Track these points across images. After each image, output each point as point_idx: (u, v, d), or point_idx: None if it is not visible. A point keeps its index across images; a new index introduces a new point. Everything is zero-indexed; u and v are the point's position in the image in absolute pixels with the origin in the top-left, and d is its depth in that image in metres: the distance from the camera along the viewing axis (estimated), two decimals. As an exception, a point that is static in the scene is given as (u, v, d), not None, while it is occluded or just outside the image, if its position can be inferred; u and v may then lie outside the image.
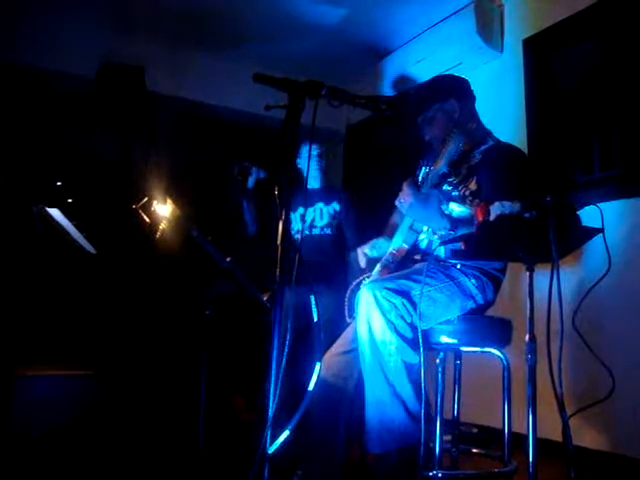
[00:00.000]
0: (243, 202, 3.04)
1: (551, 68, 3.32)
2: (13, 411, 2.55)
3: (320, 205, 3.27)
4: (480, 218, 1.57)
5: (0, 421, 2.53)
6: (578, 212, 1.56)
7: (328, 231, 3.25)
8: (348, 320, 2.14)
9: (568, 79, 3.26)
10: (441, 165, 1.94)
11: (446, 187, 2.07)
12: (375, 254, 2.22)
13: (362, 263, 2.24)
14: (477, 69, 3.64)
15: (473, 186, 1.99)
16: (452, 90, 2.16)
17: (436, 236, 1.98)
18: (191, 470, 2.14)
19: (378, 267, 2.13)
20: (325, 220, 3.26)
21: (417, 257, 2.09)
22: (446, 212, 1.97)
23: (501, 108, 3.43)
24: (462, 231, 1.84)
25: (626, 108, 2.88)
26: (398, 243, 2.10)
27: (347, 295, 2.16)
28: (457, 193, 2.02)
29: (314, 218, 3.27)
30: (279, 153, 1.63)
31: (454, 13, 3.62)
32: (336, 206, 3.26)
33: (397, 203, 1.98)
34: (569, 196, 2.97)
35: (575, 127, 3.16)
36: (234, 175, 2.97)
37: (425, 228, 2.08)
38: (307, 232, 3.24)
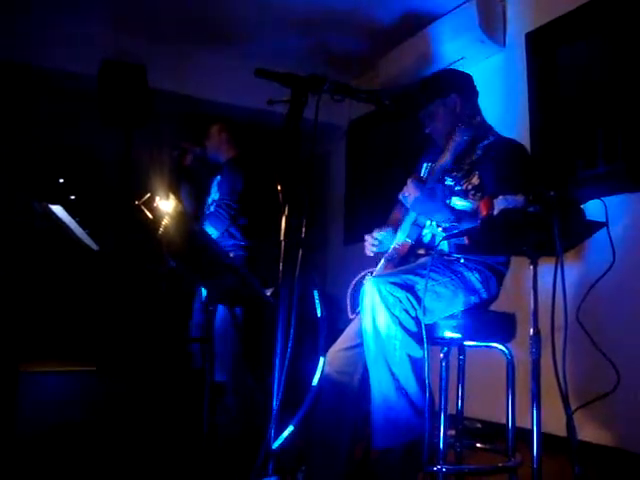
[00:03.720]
0: (180, 183, 3.02)
1: (554, 62, 3.31)
2: (17, 408, 2.56)
3: (214, 182, 3.12)
4: (484, 212, 1.56)
5: (4, 418, 2.54)
6: (582, 206, 1.56)
7: (212, 209, 3.00)
8: (350, 316, 2.14)
9: (571, 73, 3.25)
10: (447, 159, 1.94)
11: (449, 182, 2.07)
12: (383, 244, 2.20)
13: (369, 251, 2.22)
14: (480, 63, 3.63)
15: (475, 180, 2.00)
16: (454, 85, 2.17)
17: (440, 229, 1.97)
18: (195, 465, 2.15)
19: (382, 262, 2.13)
20: (212, 196, 3.08)
21: (421, 252, 2.09)
22: (450, 205, 1.97)
23: (504, 102, 3.42)
24: (466, 224, 1.84)
25: (630, 102, 2.86)
26: (401, 238, 2.10)
27: (349, 292, 2.16)
28: (460, 188, 2.03)
29: (210, 195, 3.11)
30: (282, 148, 1.62)
31: (456, 7, 3.61)
32: (219, 178, 3.07)
33: (401, 197, 1.98)
34: (573, 190, 2.96)
35: (579, 121, 3.15)
36: (173, 155, 3.01)
37: (428, 223, 2.07)
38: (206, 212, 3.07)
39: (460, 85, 2.18)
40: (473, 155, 2.06)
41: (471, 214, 1.92)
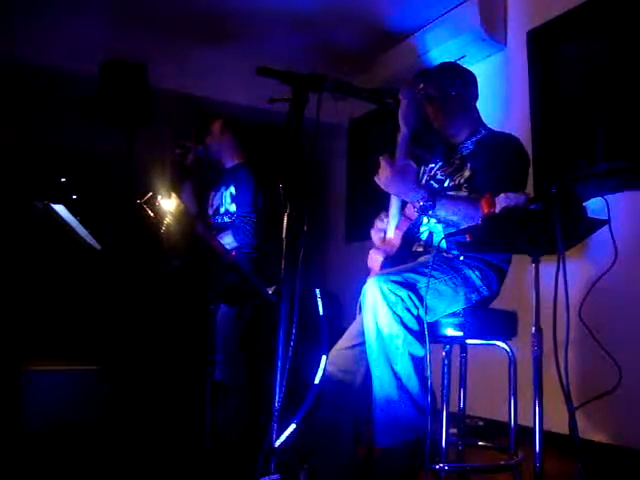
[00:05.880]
0: (182, 181, 2.97)
1: (556, 60, 3.30)
2: (20, 407, 2.56)
3: (223, 189, 3.01)
4: (486, 210, 1.56)
5: (8, 417, 2.54)
6: (584, 204, 1.56)
7: (227, 219, 2.92)
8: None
9: (573, 71, 3.24)
10: (402, 129, 1.92)
11: (439, 176, 2.07)
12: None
13: (377, 241, 2.20)
14: (481, 61, 3.63)
15: (467, 174, 2.01)
16: (457, 77, 2.16)
17: (415, 209, 1.95)
18: (198, 463, 2.15)
19: (374, 256, 2.11)
20: (225, 207, 2.98)
21: (420, 249, 2.08)
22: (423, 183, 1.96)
23: (505, 100, 3.42)
24: (441, 203, 1.82)
25: (631, 100, 2.86)
26: (392, 230, 2.09)
27: (360, 298, 2.14)
28: (452, 183, 2.04)
29: (220, 203, 3.01)
30: (283, 147, 1.63)
31: (458, 5, 3.61)
32: (233, 190, 2.94)
33: (376, 179, 1.95)
34: (575, 188, 2.95)
35: (580, 119, 3.15)
36: (175, 154, 2.95)
37: (426, 220, 2.07)
38: (213, 220, 2.98)
39: (463, 78, 2.17)
40: (464, 150, 2.08)
41: (452, 196, 1.92)
